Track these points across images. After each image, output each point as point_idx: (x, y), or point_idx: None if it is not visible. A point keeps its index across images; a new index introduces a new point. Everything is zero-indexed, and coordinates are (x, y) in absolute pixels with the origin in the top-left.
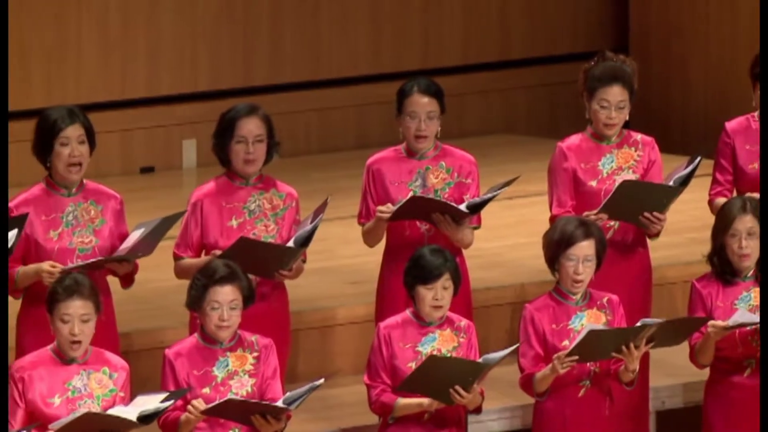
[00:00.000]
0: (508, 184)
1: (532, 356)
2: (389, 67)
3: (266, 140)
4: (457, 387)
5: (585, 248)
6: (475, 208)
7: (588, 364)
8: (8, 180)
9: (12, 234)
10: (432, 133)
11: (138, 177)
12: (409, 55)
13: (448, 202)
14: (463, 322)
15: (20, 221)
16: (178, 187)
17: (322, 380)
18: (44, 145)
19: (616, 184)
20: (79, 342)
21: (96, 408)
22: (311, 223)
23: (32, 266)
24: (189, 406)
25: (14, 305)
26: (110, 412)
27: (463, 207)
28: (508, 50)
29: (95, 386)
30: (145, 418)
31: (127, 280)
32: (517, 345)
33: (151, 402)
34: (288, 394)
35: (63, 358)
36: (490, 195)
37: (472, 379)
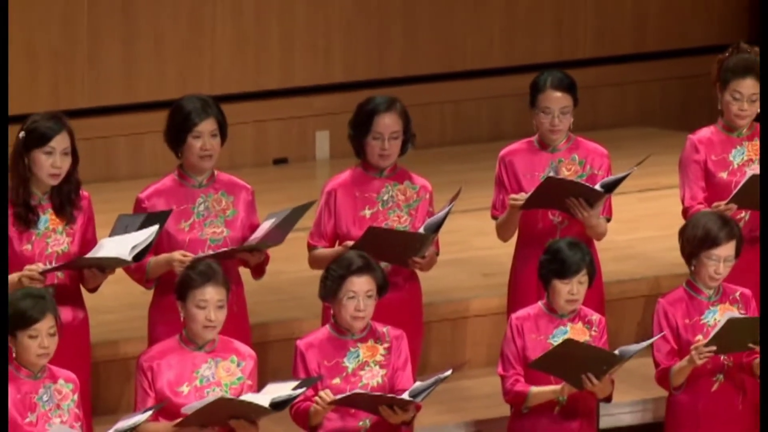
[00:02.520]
0: (638, 164)
1: (668, 351)
2: (523, 59)
3: (402, 136)
4: (589, 374)
5: (728, 249)
6: (610, 187)
7: (721, 358)
8: (8, 178)
9: (153, 230)
10: (565, 127)
11: (271, 168)
12: (542, 47)
13: (582, 182)
14: (595, 316)
15: (162, 217)
16: (311, 178)
17: (449, 372)
18: (177, 136)
19: (747, 176)
20: (215, 327)
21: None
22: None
23: (163, 256)
24: (317, 398)
25: (146, 296)
26: (242, 398)
27: (597, 187)
28: (642, 42)
29: (223, 374)
30: (277, 405)
31: (258, 271)
32: (654, 338)
33: (281, 390)
34: (415, 385)
35: (191, 347)
36: (623, 174)
37: (606, 368)
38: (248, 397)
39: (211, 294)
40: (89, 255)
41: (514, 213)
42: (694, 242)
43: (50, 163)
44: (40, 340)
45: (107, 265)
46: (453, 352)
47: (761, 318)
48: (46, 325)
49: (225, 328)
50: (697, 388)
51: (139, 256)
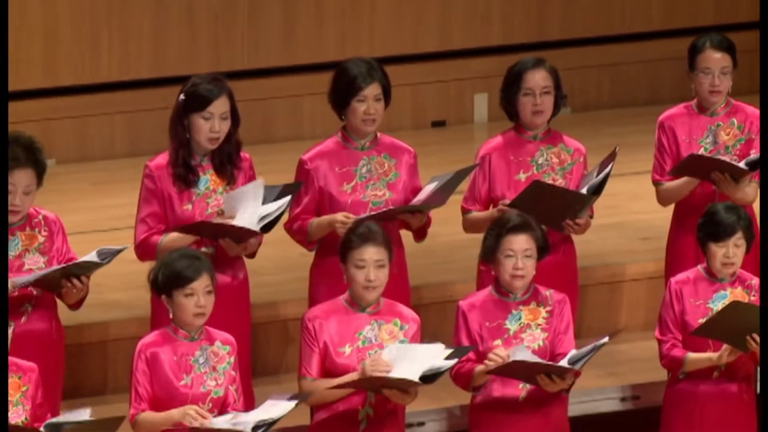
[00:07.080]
0: None
1: None
2: (682, 23)
3: (553, 92)
4: (755, 334)
5: None
6: (756, 165)
7: None
8: (8, 174)
9: (284, 201)
10: (725, 88)
11: (429, 131)
12: (702, 10)
13: (725, 160)
14: (755, 280)
15: (294, 189)
16: (469, 141)
17: (606, 339)
18: (341, 99)
19: None
20: (374, 287)
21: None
22: (600, 172)
23: (326, 217)
24: (491, 354)
25: (304, 258)
26: (391, 375)
27: (742, 164)
28: None
29: (386, 337)
30: (427, 378)
31: (420, 234)
32: None
33: (431, 352)
34: (572, 353)
35: (355, 308)
36: None
37: None
38: (398, 372)
39: (370, 254)
40: (222, 220)
41: (691, 180)
42: None
43: (209, 127)
44: (196, 298)
45: (237, 235)
46: (610, 317)
47: (761, 318)
48: (202, 284)
49: (386, 291)
50: None
51: (267, 227)
